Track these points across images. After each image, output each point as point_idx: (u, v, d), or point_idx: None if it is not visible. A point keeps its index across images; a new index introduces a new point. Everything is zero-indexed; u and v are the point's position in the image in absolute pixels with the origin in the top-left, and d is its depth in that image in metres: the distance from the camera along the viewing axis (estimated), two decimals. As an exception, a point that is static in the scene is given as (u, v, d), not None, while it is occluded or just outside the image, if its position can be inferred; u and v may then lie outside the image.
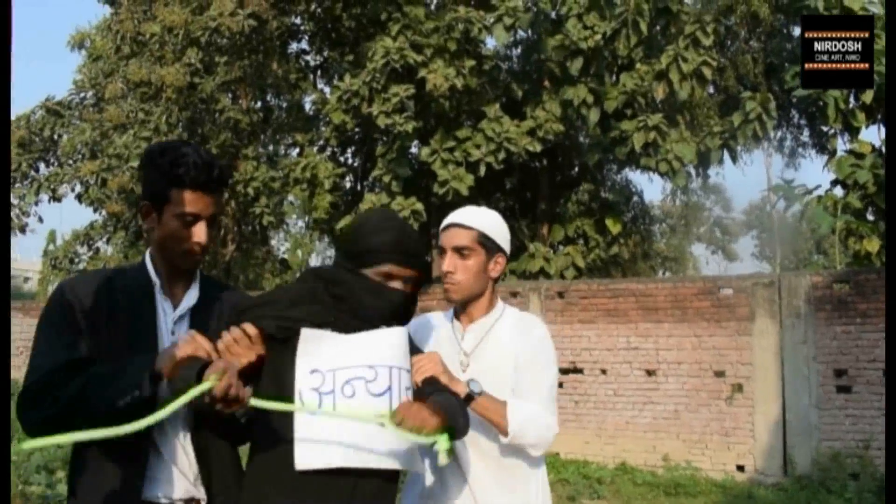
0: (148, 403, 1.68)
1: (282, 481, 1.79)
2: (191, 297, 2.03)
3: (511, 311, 2.38)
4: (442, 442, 1.72)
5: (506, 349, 2.26)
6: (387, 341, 1.88)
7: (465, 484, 2.20)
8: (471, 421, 1.99)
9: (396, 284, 1.92)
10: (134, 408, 1.65)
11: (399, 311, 1.95)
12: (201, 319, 2.00)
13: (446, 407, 1.84)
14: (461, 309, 2.34)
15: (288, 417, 1.78)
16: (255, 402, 1.67)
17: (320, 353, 1.83)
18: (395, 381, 1.82)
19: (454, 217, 2.31)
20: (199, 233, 1.93)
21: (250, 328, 1.83)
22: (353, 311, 1.91)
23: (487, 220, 2.29)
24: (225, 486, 1.90)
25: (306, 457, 1.76)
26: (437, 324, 2.39)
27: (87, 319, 1.87)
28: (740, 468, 8.47)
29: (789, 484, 7.89)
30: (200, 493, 1.90)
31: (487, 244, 2.25)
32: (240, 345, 1.82)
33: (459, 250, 2.24)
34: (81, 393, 1.72)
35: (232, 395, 1.62)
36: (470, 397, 2.06)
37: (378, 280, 1.91)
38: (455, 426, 1.83)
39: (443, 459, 1.71)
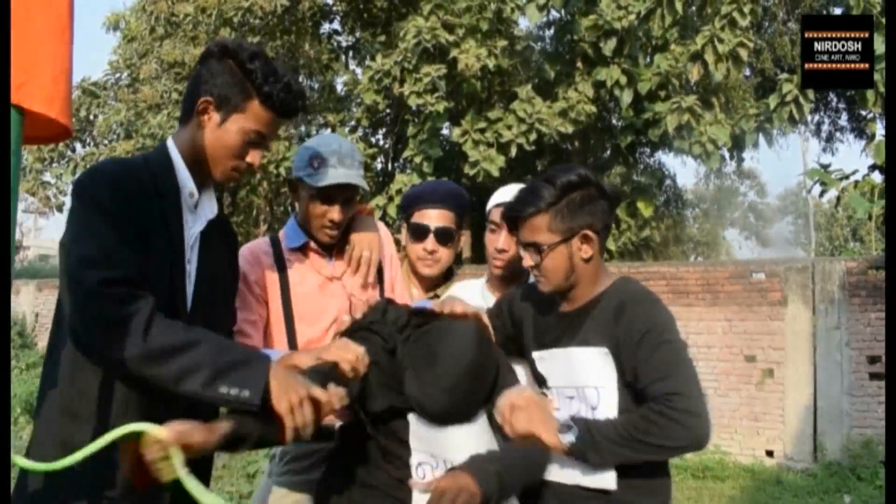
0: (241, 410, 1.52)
1: None
2: (209, 207, 1.80)
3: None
4: None
5: None
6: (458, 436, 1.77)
7: None
8: None
9: None
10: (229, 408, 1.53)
11: None
12: (209, 245, 1.78)
13: (499, 472, 1.61)
14: (500, 284, 2.38)
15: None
16: (191, 486, 1.34)
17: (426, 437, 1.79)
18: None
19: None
20: (256, 156, 1.75)
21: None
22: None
23: None
24: None
25: None
26: (474, 294, 2.38)
27: (137, 223, 1.62)
28: (769, 453, 8.40)
29: (819, 470, 7.81)
30: None
31: None
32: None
33: None
34: (189, 367, 1.50)
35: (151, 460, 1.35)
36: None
37: None
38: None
39: None
